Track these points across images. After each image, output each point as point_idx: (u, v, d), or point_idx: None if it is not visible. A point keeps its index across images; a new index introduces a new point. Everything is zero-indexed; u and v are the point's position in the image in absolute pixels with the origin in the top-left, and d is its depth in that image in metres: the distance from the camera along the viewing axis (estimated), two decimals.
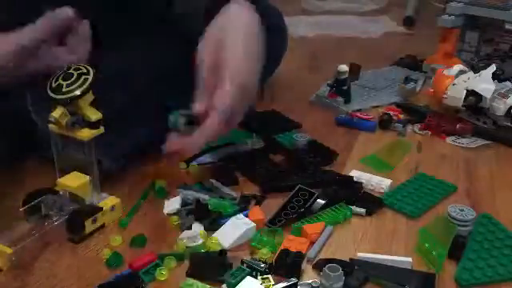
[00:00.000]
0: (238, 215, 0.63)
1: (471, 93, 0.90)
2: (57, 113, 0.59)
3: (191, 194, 0.69)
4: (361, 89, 1.12)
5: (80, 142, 0.61)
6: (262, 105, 1.02)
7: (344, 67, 1.00)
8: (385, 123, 0.93)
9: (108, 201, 0.65)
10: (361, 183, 0.73)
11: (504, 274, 0.57)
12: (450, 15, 1.15)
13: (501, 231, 0.64)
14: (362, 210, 0.67)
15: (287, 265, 0.56)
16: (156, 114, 0.71)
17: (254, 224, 0.62)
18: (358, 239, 0.64)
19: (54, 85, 0.59)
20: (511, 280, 0.57)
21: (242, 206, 0.68)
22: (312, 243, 0.61)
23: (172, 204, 0.68)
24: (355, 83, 1.13)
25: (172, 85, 0.74)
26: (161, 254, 0.58)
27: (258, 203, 0.69)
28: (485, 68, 0.94)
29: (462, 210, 0.64)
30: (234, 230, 0.61)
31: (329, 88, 1.04)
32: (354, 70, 1.16)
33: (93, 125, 0.61)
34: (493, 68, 0.92)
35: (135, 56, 0.77)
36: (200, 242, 0.61)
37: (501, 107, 0.88)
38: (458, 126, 0.91)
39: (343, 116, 0.96)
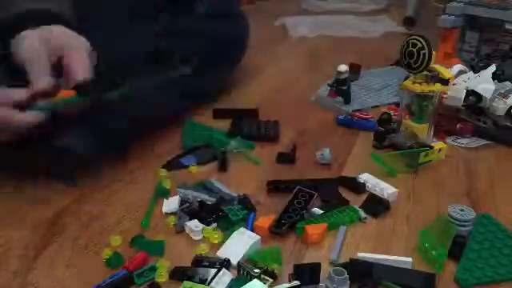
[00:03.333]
0: (240, 229, 0.62)
1: (471, 93, 0.90)
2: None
3: (191, 194, 0.69)
4: (361, 89, 1.12)
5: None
6: (266, 114, 1.02)
7: (344, 67, 1.00)
8: (384, 122, 0.93)
9: (437, 144, 0.83)
10: (364, 184, 0.73)
11: (504, 273, 0.57)
12: (450, 15, 1.15)
13: (501, 231, 0.64)
14: (365, 215, 0.67)
15: (306, 273, 0.55)
16: None
17: (258, 237, 0.61)
18: (357, 239, 0.64)
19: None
20: (511, 280, 0.57)
21: (250, 207, 0.68)
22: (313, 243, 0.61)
23: (170, 204, 0.69)
24: (355, 83, 1.13)
25: None
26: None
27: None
28: (485, 68, 0.94)
29: (462, 210, 0.64)
30: (239, 246, 0.59)
31: (329, 88, 1.04)
32: (354, 70, 1.16)
33: (445, 82, 0.81)
34: (493, 68, 0.92)
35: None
36: (200, 237, 0.62)
37: (501, 107, 0.87)
38: (457, 125, 0.91)
39: (343, 116, 0.96)
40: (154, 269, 0.56)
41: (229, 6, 1.07)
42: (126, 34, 0.86)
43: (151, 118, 0.83)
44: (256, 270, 0.55)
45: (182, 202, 0.69)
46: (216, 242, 0.62)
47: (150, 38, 0.89)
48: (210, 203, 0.67)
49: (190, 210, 0.66)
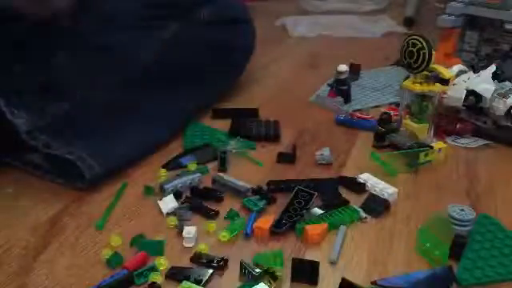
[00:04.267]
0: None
1: (471, 93, 0.90)
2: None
3: (180, 183, 0.71)
4: (361, 89, 1.12)
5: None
6: (266, 114, 1.02)
7: (344, 67, 1.00)
8: (384, 122, 0.93)
9: (437, 144, 0.82)
10: (364, 184, 0.73)
11: (504, 273, 0.57)
12: (449, 15, 1.15)
13: (501, 231, 0.64)
14: (365, 215, 0.67)
15: (307, 272, 0.55)
16: None
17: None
18: (357, 239, 0.64)
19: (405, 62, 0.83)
20: (511, 280, 0.57)
21: (270, 196, 0.69)
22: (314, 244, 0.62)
23: (167, 203, 0.69)
24: (355, 83, 1.13)
25: None
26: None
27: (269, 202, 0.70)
28: (485, 68, 0.94)
29: (462, 210, 0.64)
30: None
31: (329, 88, 1.04)
32: (354, 70, 1.16)
33: (445, 82, 0.81)
34: (493, 68, 0.92)
35: None
36: (192, 244, 0.61)
37: (501, 107, 0.88)
38: (457, 125, 0.91)
39: (343, 116, 0.96)
40: (153, 269, 0.56)
41: (234, 11, 1.04)
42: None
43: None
44: (257, 270, 0.55)
45: (177, 194, 0.70)
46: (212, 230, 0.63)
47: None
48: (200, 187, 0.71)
49: (189, 204, 0.68)
